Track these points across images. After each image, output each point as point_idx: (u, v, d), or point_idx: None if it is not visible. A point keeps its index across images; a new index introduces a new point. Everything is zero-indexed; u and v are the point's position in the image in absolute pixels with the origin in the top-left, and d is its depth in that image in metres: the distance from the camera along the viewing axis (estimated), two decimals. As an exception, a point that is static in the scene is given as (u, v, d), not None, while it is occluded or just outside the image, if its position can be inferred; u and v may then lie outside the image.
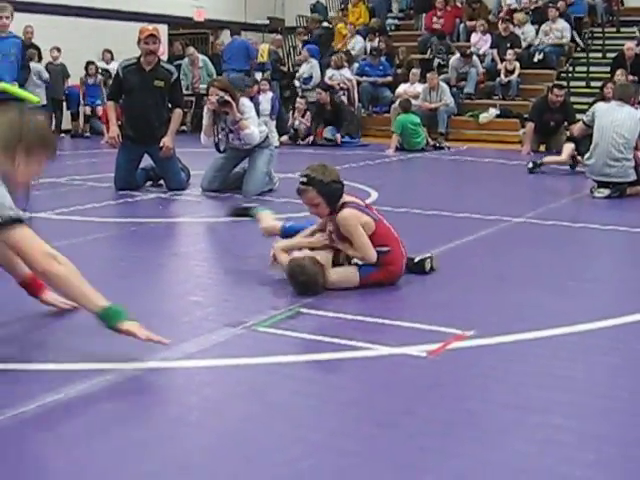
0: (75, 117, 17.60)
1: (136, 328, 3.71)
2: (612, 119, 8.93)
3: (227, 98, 8.54)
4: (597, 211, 8.43)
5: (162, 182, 9.30)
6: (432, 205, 8.14)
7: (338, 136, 15.28)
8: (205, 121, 8.89)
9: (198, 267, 5.79)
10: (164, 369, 3.67)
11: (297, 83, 17.92)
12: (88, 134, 17.29)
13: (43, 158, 3.90)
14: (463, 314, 4.59)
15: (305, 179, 5.03)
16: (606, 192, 8.89)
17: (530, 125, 13.61)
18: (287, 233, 5.44)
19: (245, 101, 9.04)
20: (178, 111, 9.32)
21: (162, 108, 9.15)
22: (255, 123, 8.95)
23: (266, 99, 15.36)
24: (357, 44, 19.37)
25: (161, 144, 8.91)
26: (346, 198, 5.11)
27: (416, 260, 5.35)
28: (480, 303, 4.89)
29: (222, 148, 8.87)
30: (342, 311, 4.54)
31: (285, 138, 15.50)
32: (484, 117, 16.39)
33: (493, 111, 16.49)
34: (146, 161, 9.25)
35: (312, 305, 4.65)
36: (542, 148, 13.62)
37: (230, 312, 4.52)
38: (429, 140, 14.76)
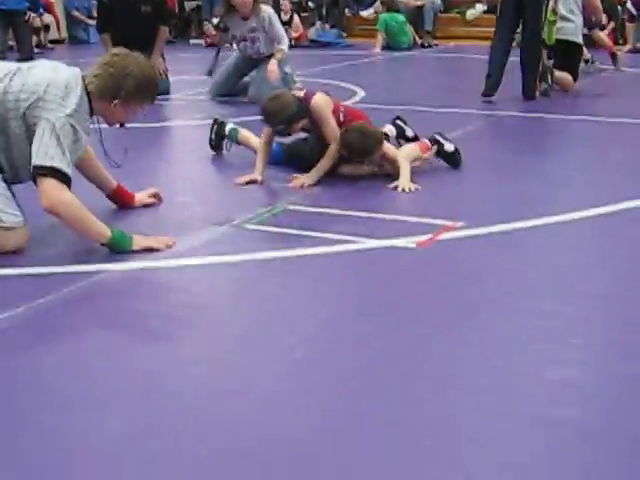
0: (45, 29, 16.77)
1: (153, 241, 3.82)
2: None
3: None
4: (584, 101, 8.35)
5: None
6: (419, 101, 8.05)
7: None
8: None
9: (185, 169, 5.74)
10: (153, 268, 3.63)
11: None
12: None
13: (140, 106, 4.03)
14: (453, 206, 4.56)
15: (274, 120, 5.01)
16: None
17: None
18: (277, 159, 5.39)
19: (268, 9, 8.41)
20: (164, 29, 9.01)
21: (151, 31, 8.79)
22: (283, 35, 8.30)
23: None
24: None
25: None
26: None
27: (450, 150, 5.39)
28: (471, 195, 4.86)
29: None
30: (330, 206, 4.51)
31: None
32: (471, 14, 16.15)
33: (480, 7, 16.24)
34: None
35: (300, 202, 4.62)
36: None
37: (218, 211, 4.48)
38: (416, 38, 14.57)
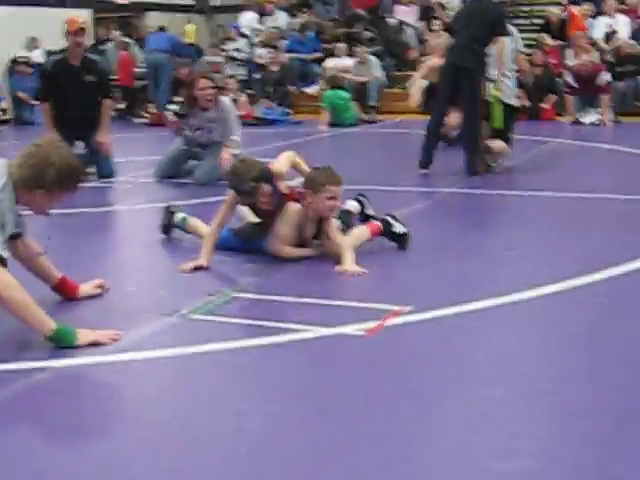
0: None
1: (98, 335, 3.76)
2: None
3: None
4: (528, 176, 8.47)
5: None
6: (365, 180, 8.10)
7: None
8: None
9: (132, 255, 5.71)
10: (96, 364, 3.57)
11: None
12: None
13: (63, 195, 4.04)
14: (400, 289, 4.59)
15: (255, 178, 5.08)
16: None
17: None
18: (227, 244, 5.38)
19: (227, 100, 8.59)
20: (108, 102, 9.07)
21: (93, 101, 8.80)
22: (237, 126, 8.45)
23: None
24: (280, 20, 19.17)
25: (98, 140, 8.74)
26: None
27: (400, 231, 5.43)
28: (417, 277, 4.89)
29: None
30: (277, 293, 4.50)
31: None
32: (415, 89, 16.34)
33: (424, 82, 16.44)
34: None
35: (247, 288, 4.61)
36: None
37: (164, 301, 4.44)
38: (361, 114, 14.73)
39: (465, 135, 8.45)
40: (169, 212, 5.84)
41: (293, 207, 5.19)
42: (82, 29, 8.77)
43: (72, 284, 4.50)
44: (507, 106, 8.71)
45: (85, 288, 4.54)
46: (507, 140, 8.84)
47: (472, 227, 6.23)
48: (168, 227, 5.81)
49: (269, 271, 4.95)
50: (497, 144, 8.70)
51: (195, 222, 5.68)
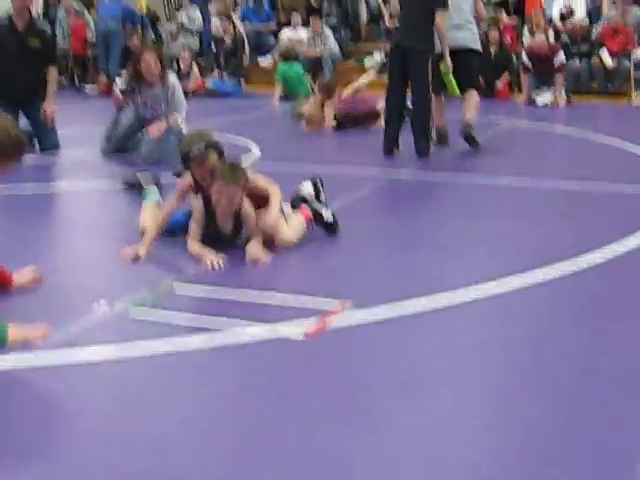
0: None
1: (28, 332, 3.44)
2: None
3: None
4: (481, 159, 8.38)
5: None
6: (314, 159, 7.98)
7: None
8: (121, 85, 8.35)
9: (72, 241, 5.54)
10: (27, 368, 3.41)
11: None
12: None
13: (5, 166, 3.82)
14: (344, 282, 4.47)
15: (205, 144, 5.01)
16: None
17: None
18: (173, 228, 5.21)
19: (172, 77, 8.35)
20: (54, 71, 8.81)
21: (38, 68, 8.60)
22: (182, 104, 8.21)
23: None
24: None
25: (43, 109, 8.54)
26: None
27: (329, 220, 5.31)
28: (360, 268, 4.77)
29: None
30: (216, 283, 4.36)
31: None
32: (368, 62, 16.22)
33: (377, 55, 16.32)
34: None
35: (187, 279, 4.47)
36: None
37: (101, 292, 4.25)
38: (314, 88, 14.55)
39: (414, 115, 8.34)
40: (139, 186, 5.91)
41: (195, 202, 5.07)
42: None
43: (6, 275, 4.29)
44: (474, 51, 8.72)
45: (19, 279, 4.34)
46: (478, 88, 8.96)
47: (417, 215, 6.13)
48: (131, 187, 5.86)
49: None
50: (470, 95, 8.64)
51: (149, 209, 5.48)
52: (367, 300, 4.07)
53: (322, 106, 10.53)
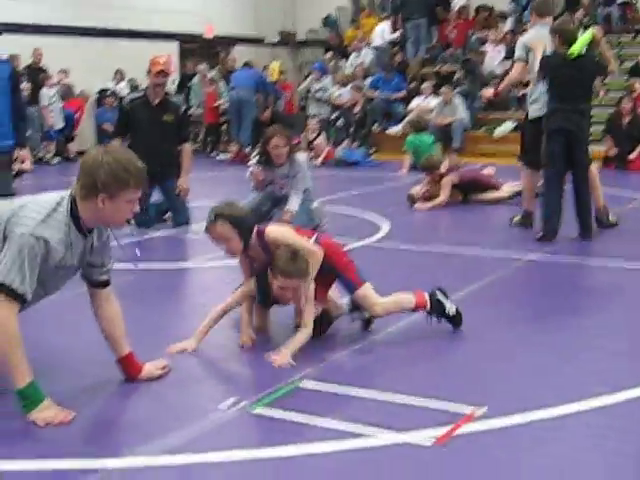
0: (69, 140, 17.16)
1: (53, 414, 3.64)
2: None
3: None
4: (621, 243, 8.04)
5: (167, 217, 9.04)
6: (447, 240, 7.79)
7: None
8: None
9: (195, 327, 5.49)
10: (147, 467, 3.34)
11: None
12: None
13: (126, 194, 3.77)
14: (475, 385, 4.26)
15: (214, 213, 4.84)
16: None
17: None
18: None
19: (302, 158, 8.32)
20: (188, 147, 9.01)
21: (172, 143, 8.82)
22: (303, 186, 8.09)
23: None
24: (367, 57, 19.03)
25: (179, 186, 8.73)
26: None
27: (452, 312, 5.07)
28: (490, 369, 4.54)
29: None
30: (345, 383, 4.23)
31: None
32: (499, 131, 16.01)
33: (509, 124, 16.10)
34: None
35: (316, 375, 4.35)
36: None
37: (222, 390, 4.23)
38: (445, 156, 14.43)
39: (580, 197, 7.93)
40: None
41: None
42: (163, 71, 8.72)
43: (137, 364, 4.26)
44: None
45: (149, 369, 4.30)
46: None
47: (556, 306, 5.78)
48: None
49: (340, 355, 4.71)
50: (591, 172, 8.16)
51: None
52: (499, 407, 3.88)
53: (436, 182, 10.36)
